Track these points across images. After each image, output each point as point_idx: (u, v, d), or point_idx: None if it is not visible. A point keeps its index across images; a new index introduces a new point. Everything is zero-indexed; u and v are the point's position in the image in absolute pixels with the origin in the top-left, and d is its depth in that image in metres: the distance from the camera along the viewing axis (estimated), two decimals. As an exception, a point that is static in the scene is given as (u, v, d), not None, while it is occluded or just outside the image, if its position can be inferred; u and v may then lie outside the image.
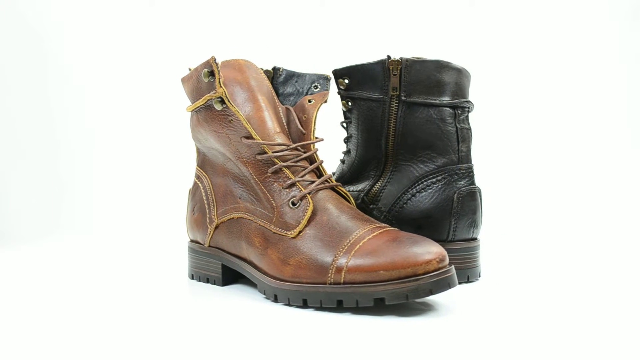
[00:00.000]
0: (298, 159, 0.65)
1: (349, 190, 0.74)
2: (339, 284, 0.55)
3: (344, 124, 0.75)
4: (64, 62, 1.27)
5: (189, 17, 1.29)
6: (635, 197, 1.20)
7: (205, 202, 0.70)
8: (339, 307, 0.55)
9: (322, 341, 0.48)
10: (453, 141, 0.68)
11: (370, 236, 0.57)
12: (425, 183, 0.68)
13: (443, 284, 0.54)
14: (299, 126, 0.68)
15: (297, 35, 1.27)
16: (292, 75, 0.72)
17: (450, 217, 0.67)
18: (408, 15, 1.28)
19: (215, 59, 0.63)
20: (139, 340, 0.48)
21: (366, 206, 0.71)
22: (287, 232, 0.60)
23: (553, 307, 0.58)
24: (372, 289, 0.54)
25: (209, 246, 0.69)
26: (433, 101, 0.68)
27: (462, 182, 0.68)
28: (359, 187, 0.73)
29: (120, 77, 1.28)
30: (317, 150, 0.67)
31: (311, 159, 0.66)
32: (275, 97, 0.70)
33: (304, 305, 0.57)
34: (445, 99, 0.68)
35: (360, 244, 0.56)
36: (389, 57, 0.68)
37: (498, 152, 1.26)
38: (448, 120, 0.68)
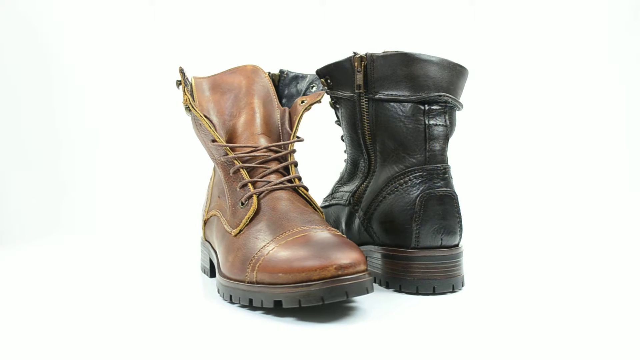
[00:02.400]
0: (268, 159, 0.67)
1: (344, 192, 0.73)
2: (253, 283, 0.57)
3: (338, 123, 0.75)
4: (64, 62, 1.27)
5: (189, 17, 1.31)
6: (631, 200, 1.20)
7: (206, 198, 0.76)
8: (250, 305, 0.57)
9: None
10: (420, 140, 0.63)
11: (292, 237, 0.57)
12: (394, 184, 0.64)
13: (337, 292, 0.52)
14: (287, 127, 0.70)
15: (297, 35, 1.26)
16: (295, 77, 0.74)
17: (412, 222, 0.62)
18: (408, 15, 1.29)
19: (181, 69, 0.68)
20: (139, 340, 0.49)
21: (352, 208, 0.70)
22: (232, 230, 0.63)
23: (535, 323, 0.52)
24: (272, 290, 0.54)
25: (205, 240, 0.75)
26: (399, 97, 0.63)
27: (427, 185, 0.62)
28: (351, 187, 0.72)
29: (121, 77, 1.29)
30: (293, 150, 0.68)
31: (284, 159, 0.68)
32: (275, 100, 0.73)
33: (230, 301, 0.60)
34: (412, 94, 0.63)
35: (279, 244, 0.57)
36: (354, 53, 0.66)
37: (498, 154, 1.28)
38: (415, 117, 0.63)
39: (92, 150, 1.27)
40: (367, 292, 0.53)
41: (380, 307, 0.58)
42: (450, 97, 0.63)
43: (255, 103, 0.71)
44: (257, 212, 0.63)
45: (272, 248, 0.57)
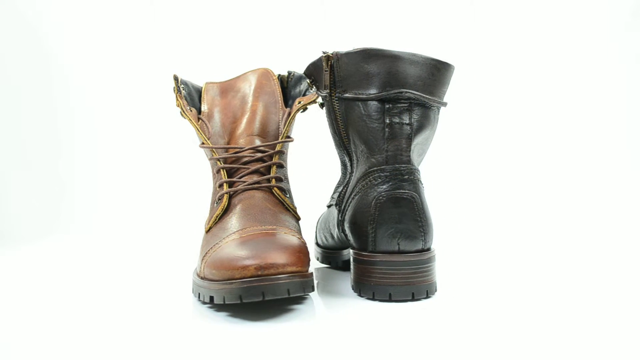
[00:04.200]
0: (251, 160, 0.69)
1: (337, 193, 0.72)
2: (202, 277, 0.60)
3: None
4: (64, 62, 1.28)
5: (189, 17, 1.30)
6: (613, 205, 1.17)
7: None
8: (198, 298, 0.60)
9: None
10: (379, 139, 0.60)
11: (241, 236, 0.59)
12: (360, 186, 0.62)
13: (254, 292, 0.52)
14: (281, 127, 0.72)
15: (297, 35, 1.23)
16: (300, 78, 0.76)
17: (367, 225, 0.59)
18: (408, 15, 1.28)
19: (175, 77, 0.73)
20: (139, 340, 0.49)
21: (337, 209, 0.69)
22: (205, 227, 0.66)
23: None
24: (210, 286, 0.57)
25: None
26: (362, 95, 0.61)
27: (385, 187, 0.59)
28: (340, 188, 0.71)
29: (122, 77, 1.29)
30: (280, 151, 0.70)
31: (270, 159, 0.69)
32: (280, 101, 0.75)
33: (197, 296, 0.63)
34: (373, 92, 0.60)
35: (227, 242, 0.59)
36: (324, 52, 0.65)
37: (497, 154, 1.26)
38: (374, 115, 0.60)
39: (92, 150, 1.28)
40: (288, 294, 0.53)
41: (321, 310, 0.57)
42: (415, 94, 0.59)
43: (257, 105, 0.74)
44: (228, 211, 0.65)
45: (220, 245, 0.59)
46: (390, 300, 0.59)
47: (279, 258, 0.54)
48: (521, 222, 1.14)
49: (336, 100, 0.64)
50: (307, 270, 0.57)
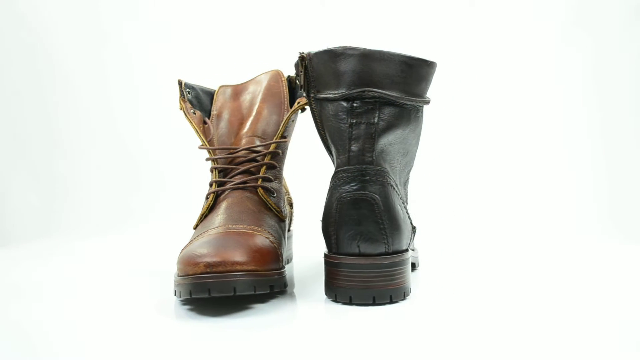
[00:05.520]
0: (244, 160, 0.71)
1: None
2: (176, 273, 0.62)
3: None
4: (64, 62, 1.28)
5: (189, 17, 1.30)
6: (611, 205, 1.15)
7: None
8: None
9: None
10: (344, 139, 0.59)
11: (210, 233, 0.61)
12: (330, 186, 0.61)
13: (201, 288, 0.54)
14: (280, 128, 0.74)
15: (297, 35, 1.21)
16: None
17: (331, 226, 0.58)
18: (408, 15, 1.27)
19: (179, 81, 0.77)
20: (137, 340, 0.50)
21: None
22: (194, 225, 0.69)
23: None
24: (175, 280, 0.59)
25: None
26: (328, 95, 0.60)
27: (346, 187, 0.58)
28: None
29: (122, 77, 1.29)
30: (274, 152, 0.71)
31: (261, 160, 0.71)
32: (285, 103, 0.77)
33: None
34: (339, 91, 0.59)
35: (198, 239, 0.61)
36: (300, 53, 0.65)
37: (497, 154, 1.25)
38: (341, 115, 0.59)
39: (93, 151, 1.28)
40: (234, 292, 0.54)
41: (275, 310, 0.57)
42: (379, 92, 0.58)
43: (263, 107, 0.76)
44: (212, 210, 0.68)
45: (192, 242, 0.62)
46: (350, 303, 0.57)
47: (231, 256, 0.55)
48: (519, 224, 1.13)
49: (313, 100, 0.63)
50: (267, 270, 0.58)
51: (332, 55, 0.59)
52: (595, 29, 1.23)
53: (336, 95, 0.59)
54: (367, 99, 0.58)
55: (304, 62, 0.63)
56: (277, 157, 0.73)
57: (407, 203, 0.73)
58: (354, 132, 0.58)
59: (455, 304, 0.60)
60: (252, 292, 0.55)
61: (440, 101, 1.28)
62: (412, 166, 0.69)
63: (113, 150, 1.29)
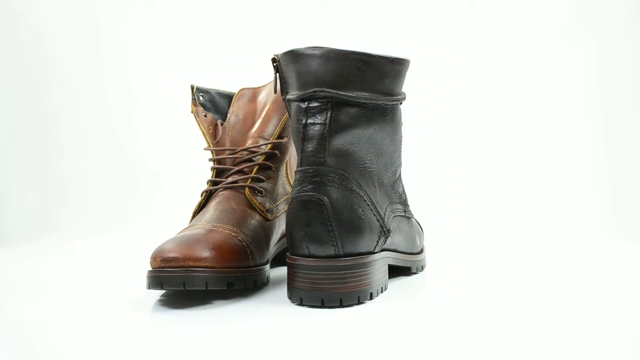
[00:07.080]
0: (241, 160, 0.74)
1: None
2: None
3: None
4: (65, 62, 1.27)
5: (189, 17, 1.27)
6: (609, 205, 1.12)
7: None
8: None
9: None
10: (300, 140, 0.59)
11: (185, 230, 0.65)
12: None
13: (155, 282, 0.58)
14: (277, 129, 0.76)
15: (297, 35, 1.20)
16: None
17: (287, 227, 0.59)
18: (408, 15, 1.26)
19: (192, 86, 0.81)
20: (137, 340, 0.50)
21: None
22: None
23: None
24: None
25: None
26: (292, 96, 0.60)
27: (298, 188, 0.57)
28: None
29: (122, 77, 1.28)
30: (271, 153, 0.73)
31: (255, 160, 0.73)
32: None
33: None
34: (298, 92, 0.59)
35: (174, 235, 0.65)
36: (274, 55, 0.65)
37: (496, 153, 1.23)
38: (298, 116, 0.59)
39: (91, 150, 1.27)
40: (184, 287, 0.57)
41: (238, 307, 0.59)
42: (330, 92, 0.57)
43: (272, 108, 0.79)
44: (203, 208, 0.71)
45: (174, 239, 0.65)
46: (301, 304, 0.57)
47: (191, 253, 0.58)
48: (520, 224, 1.11)
49: (285, 102, 0.64)
50: (226, 268, 0.60)
51: (294, 56, 0.60)
52: (597, 26, 1.20)
53: (295, 96, 0.60)
54: (319, 99, 0.58)
55: (275, 64, 0.64)
56: (273, 157, 0.75)
57: (405, 205, 0.70)
58: (308, 133, 0.58)
59: (455, 304, 0.58)
60: (203, 288, 0.57)
61: (440, 101, 1.25)
62: (397, 167, 0.67)
63: (111, 150, 1.28)
